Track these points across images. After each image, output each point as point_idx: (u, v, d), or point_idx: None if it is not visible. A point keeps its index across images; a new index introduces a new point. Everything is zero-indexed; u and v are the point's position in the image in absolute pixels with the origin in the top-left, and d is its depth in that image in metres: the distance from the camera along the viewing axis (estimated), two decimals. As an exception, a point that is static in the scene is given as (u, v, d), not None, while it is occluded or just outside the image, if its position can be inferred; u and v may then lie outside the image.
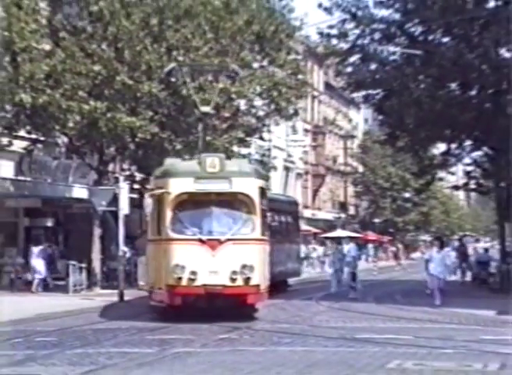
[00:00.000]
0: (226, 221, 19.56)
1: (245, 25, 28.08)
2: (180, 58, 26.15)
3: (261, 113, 31.03)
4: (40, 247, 30.44)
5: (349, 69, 32.58)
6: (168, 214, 18.98)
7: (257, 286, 18.77)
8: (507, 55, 29.06)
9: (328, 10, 30.26)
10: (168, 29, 26.50)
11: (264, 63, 30.59)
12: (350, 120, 69.42)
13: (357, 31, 30.18)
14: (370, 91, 32.62)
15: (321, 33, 31.16)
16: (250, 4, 29.40)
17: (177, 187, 19.06)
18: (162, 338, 16.63)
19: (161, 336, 16.99)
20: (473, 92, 31.05)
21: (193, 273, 18.18)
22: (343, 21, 30.11)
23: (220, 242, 18.56)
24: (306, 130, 58.36)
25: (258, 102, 30.79)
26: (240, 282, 18.40)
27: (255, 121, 31.12)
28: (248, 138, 31.03)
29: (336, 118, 66.79)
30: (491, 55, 27.69)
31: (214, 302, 18.94)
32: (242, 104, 30.15)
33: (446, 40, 30.08)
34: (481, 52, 27.74)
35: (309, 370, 12.59)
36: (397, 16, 30.18)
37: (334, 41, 31.78)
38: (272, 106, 30.64)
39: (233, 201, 19.61)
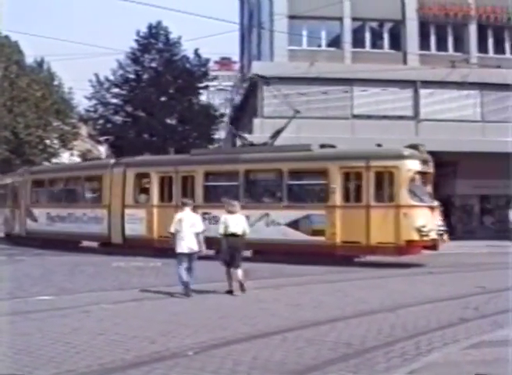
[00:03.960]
0: (429, 193, 20.64)
1: (51, 105, 47.15)
2: (20, 120, 44.10)
3: (56, 147, 50.39)
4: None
5: (98, 127, 49.45)
6: (405, 186, 19.34)
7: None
8: (171, 122, 47.19)
9: (89, 99, 48.16)
10: (16, 106, 44.60)
11: (59, 123, 49.59)
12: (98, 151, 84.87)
13: (102, 109, 48.11)
14: (109, 137, 48.47)
15: (86, 110, 49.16)
16: (53, 96, 48.70)
17: (412, 166, 19.81)
18: (10, 253, 23.95)
19: (9, 251, 24.66)
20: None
21: (429, 230, 19.34)
22: (96, 104, 48.33)
23: (435, 207, 20.09)
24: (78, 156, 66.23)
25: (55, 141, 49.74)
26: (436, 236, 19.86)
27: (53, 150, 50.04)
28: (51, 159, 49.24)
29: (92, 150, 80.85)
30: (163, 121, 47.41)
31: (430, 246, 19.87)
32: (48, 142, 48.83)
33: (141, 114, 46.43)
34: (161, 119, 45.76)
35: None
36: (121, 103, 47.52)
37: (92, 114, 49.19)
38: (62, 143, 50.78)
39: (431, 178, 20.98)
